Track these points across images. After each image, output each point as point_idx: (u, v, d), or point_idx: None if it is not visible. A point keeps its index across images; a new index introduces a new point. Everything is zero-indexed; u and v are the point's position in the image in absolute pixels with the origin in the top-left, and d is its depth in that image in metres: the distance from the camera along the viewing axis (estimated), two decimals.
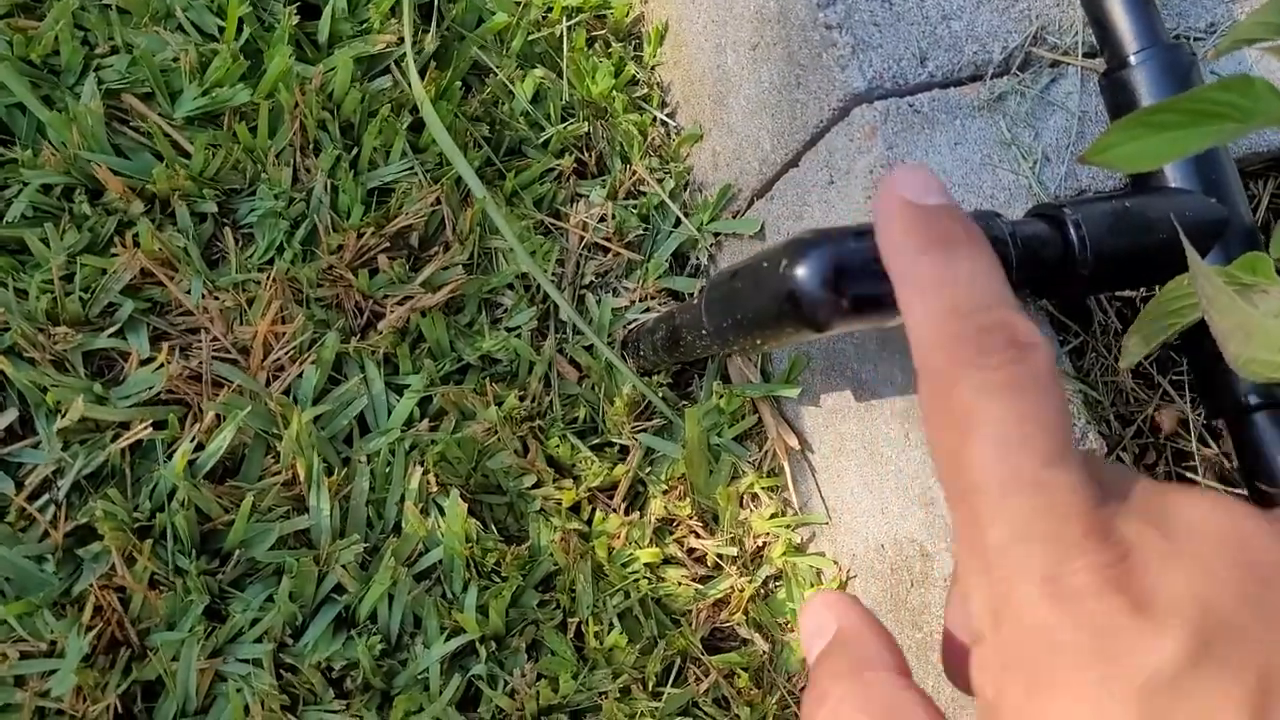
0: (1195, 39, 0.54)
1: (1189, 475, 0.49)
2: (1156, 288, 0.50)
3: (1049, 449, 0.21)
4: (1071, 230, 0.43)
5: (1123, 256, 0.44)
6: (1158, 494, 0.23)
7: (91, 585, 0.52)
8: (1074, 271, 0.43)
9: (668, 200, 0.64)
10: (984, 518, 0.21)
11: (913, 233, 0.24)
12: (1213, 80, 0.50)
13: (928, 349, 0.24)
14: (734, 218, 0.62)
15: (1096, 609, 0.21)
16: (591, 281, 0.64)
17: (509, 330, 0.62)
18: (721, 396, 0.60)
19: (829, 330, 0.40)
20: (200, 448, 0.55)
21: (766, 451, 0.61)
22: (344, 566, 0.55)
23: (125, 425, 0.55)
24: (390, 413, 0.59)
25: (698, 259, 0.65)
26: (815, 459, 0.58)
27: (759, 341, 0.45)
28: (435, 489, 0.58)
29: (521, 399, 0.60)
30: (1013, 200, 0.48)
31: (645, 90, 0.68)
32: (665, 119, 0.67)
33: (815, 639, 0.26)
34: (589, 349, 0.62)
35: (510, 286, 0.63)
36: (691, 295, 0.64)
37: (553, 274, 0.63)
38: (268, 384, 0.57)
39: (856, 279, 0.40)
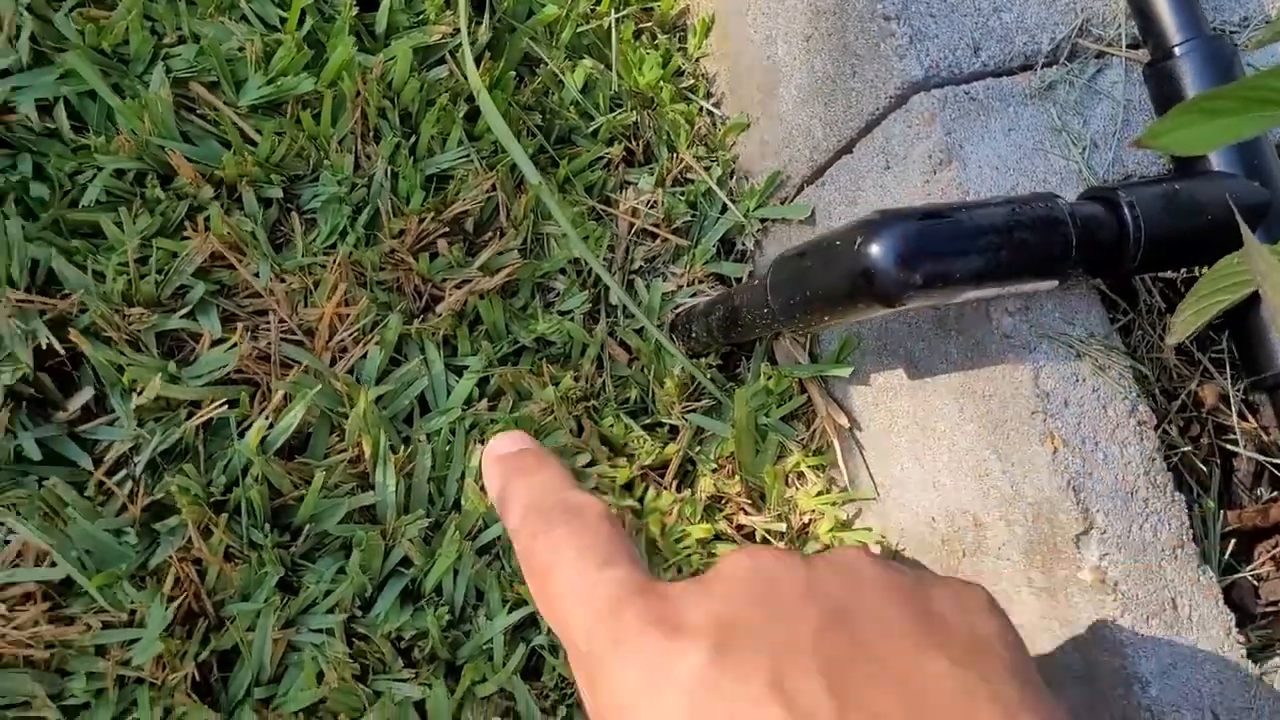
0: (1231, 32, 0.56)
1: (1229, 447, 0.51)
2: (1198, 269, 0.52)
3: (602, 559, 0.30)
4: (1126, 212, 0.45)
5: (1174, 238, 0.46)
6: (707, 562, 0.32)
7: (171, 557, 0.53)
8: (1127, 252, 0.45)
9: (715, 187, 0.66)
10: (570, 617, 0.30)
11: (500, 473, 0.36)
12: (1251, 72, 0.52)
13: (517, 535, 0.33)
14: (782, 204, 0.64)
15: (642, 644, 0.28)
16: (640, 267, 0.66)
17: (561, 314, 0.64)
18: (770, 378, 0.62)
19: (899, 306, 0.42)
20: (270, 425, 0.57)
21: (814, 430, 0.63)
22: (409, 541, 0.57)
23: (196, 404, 0.57)
24: (449, 393, 0.61)
25: (744, 245, 0.67)
26: (863, 437, 0.60)
27: (826, 318, 0.47)
28: None
29: (576, 380, 0.62)
30: (1064, 184, 0.50)
31: (691, 81, 0.70)
32: (711, 109, 0.69)
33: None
34: (639, 332, 0.64)
35: (562, 271, 0.65)
36: (740, 279, 0.66)
37: (603, 259, 0.64)
38: (331, 364, 0.59)
39: (927, 256, 0.42)
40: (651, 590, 0.29)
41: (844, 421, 0.60)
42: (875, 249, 0.42)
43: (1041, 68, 0.52)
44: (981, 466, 0.51)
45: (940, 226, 0.42)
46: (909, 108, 0.50)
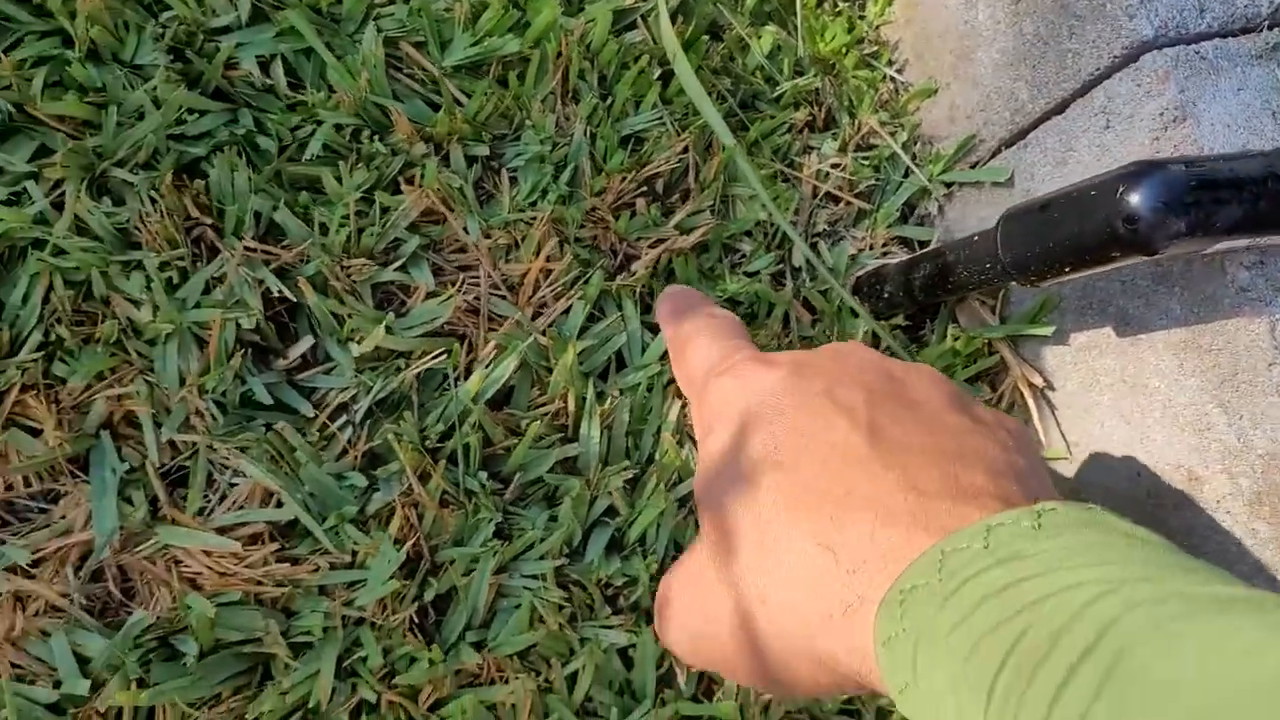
0: None
1: None
2: None
3: (727, 335, 0.45)
4: None
5: None
6: None
7: (395, 500, 0.55)
8: None
9: (899, 152, 0.67)
10: (696, 369, 0.45)
11: (665, 299, 0.52)
12: None
13: (669, 325, 0.50)
14: (972, 168, 0.64)
15: (743, 369, 0.40)
16: (823, 230, 0.67)
17: (748, 274, 0.65)
18: (957, 339, 0.63)
19: (1159, 253, 0.43)
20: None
21: (1001, 392, 0.63)
22: (613, 491, 0.58)
23: (407, 354, 0.58)
24: (644, 349, 0.62)
25: (927, 209, 0.68)
26: (1057, 396, 0.61)
27: (1068, 270, 0.47)
28: (691, 421, 0.61)
29: (765, 339, 0.63)
30: None
31: (874, 48, 0.71)
32: (894, 75, 0.70)
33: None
34: (824, 293, 0.65)
35: (748, 233, 0.66)
36: (923, 243, 0.67)
37: (789, 222, 0.65)
38: (533, 318, 0.60)
39: (1191, 205, 0.42)
40: (740, 364, 0.41)
41: (1038, 381, 0.61)
42: (1138, 197, 0.42)
43: (1266, 29, 0.52)
44: (1202, 420, 0.51)
45: (1204, 175, 0.43)
46: (1139, 66, 0.51)
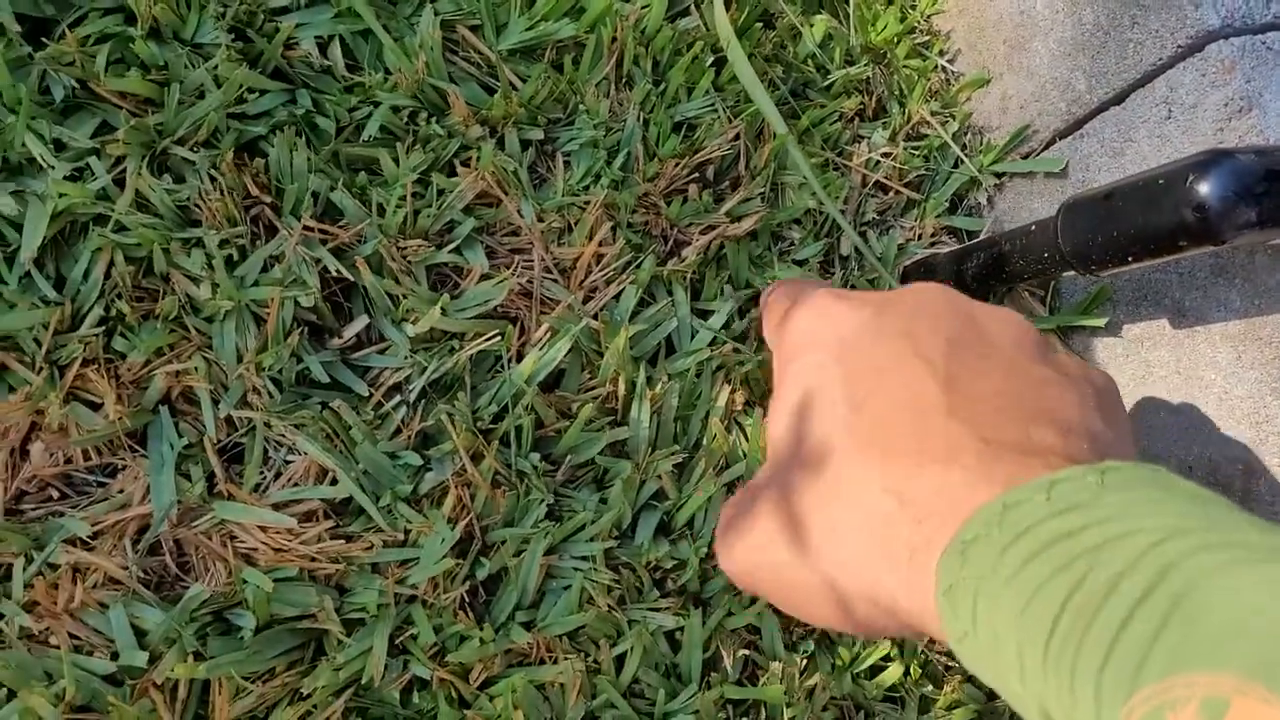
0: None
1: None
2: None
3: (814, 286, 0.46)
4: None
5: None
6: None
7: (449, 480, 0.55)
8: None
9: (950, 142, 0.67)
10: (778, 314, 0.46)
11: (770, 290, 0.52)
12: None
13: (767, 296, 0.51)
14: (1024, 158, 0.64)
15: (826, 304, 0.41)
16: (872, 219, 0.67)
17: (797, 263, 0.65)
18: None
19: (1227, 243, 0.43)
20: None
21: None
22: (662, 475, 0.58)
23: (461, 336, 0.58)
24: (694, 335, 0.62)
25: (976, 199, 0.68)
26: None
27: (1130, 259, 0.47)
28: (740, 408, 0.61)
29: None
30: None
31: (925, 37, 0.71)
32: (945, 65, 0.70)
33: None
34: (871, 282, 0.65)
35: (798, 221, 0.66)
36: (972, 233, 0.67)
37: (839, 210, 0.65)
38: (584, 302, 0.61)
39: (1263, 194, 0.42)
40: (817, 297, 0.43)
41: None
42: (1208, 186, 0.42)
43: None
44: (1261, 413, 0.51)
45: (1275, 165, 0.43)
46: (1205, 56, 0.51)
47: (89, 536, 0.52)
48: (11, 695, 0.49)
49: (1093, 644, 0.24)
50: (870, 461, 0.35)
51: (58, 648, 0.50)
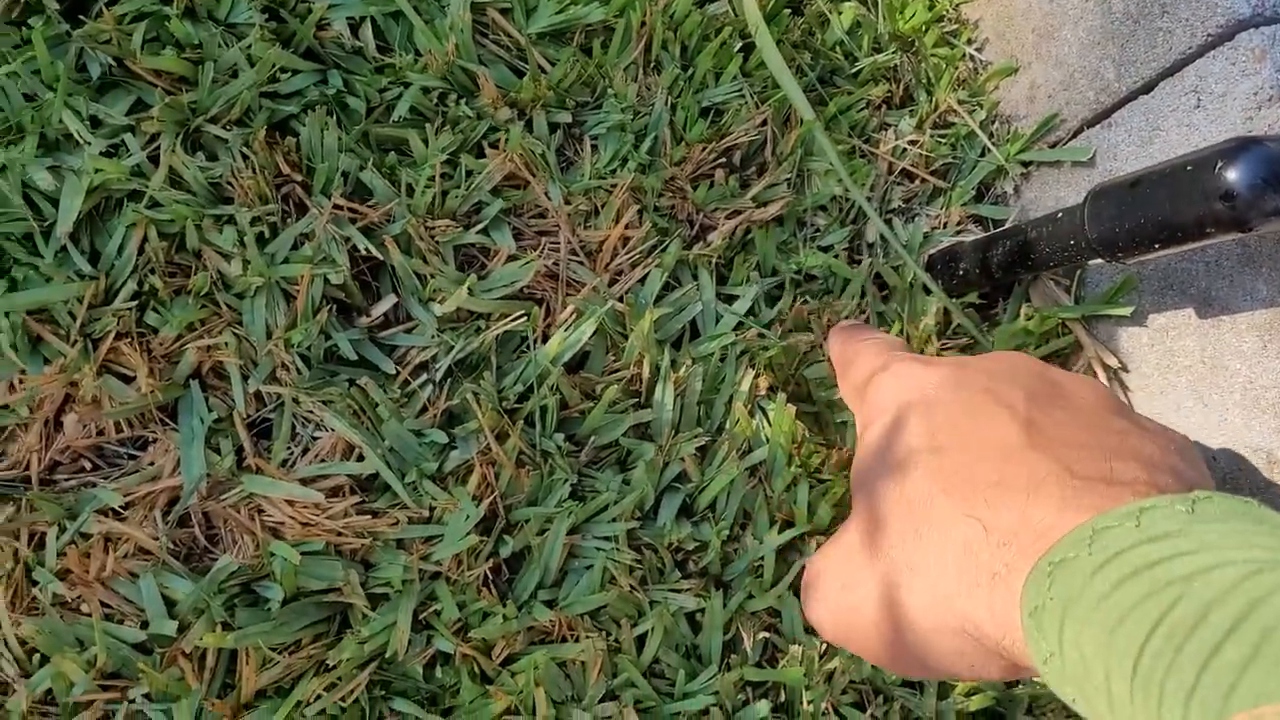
0: None
1: None
2: None
3: (891, 348, 0.47)
4: None
5: None
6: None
7: (474, 458, 0.56)
8: None
9: (977, 130, 0.67)
10: (860, 374, 0.46)
11: (834, 332, 0.54)
12: None
13: (835, 346, 0.52)
14: (1051, 147, 0.64)
15: (904, 368, 0.43)
16: (897, 207, 0.67)
17: (822, 249, 0.65)
18: (1030, 318, 0.63)
19: (1255, 230, 0.43)
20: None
21: (1074, 372, 0.63)
22: (685, 457, 0.59)
23: (487, 316, 0.59)
24: (718, 319, 0.62)
25: (1002, 188, 0.68)
26: (1131, 378, 0.61)
27: (1157, 247, 0.47)
28: (763, 392, 0.62)
29: (837, 315, 0.63)
30: None
31: (954, 26, 0.71)
32: (973, 53, 0.70)
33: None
34: (896, 270, 0.65)
35: (823, 208, 0.66)
36: (998, 222, 0.67)
37: (865, 197, 0.65)
38: (610, 285, 0.61)
39: None
40: (900, 363, 0.44)
41: (1113, 362, 0.61)
42: (1236, 173, 0.42)
43: None
44: None
45: None
46: (1235, 44, 0.51)
47: (120, 507, 0.53)
48: (44, 660, 0.50)
49: (1182, 668, 0.24)
50: (953, 496, 0.35)
51: (89, 615, 0.51)
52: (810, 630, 0.59)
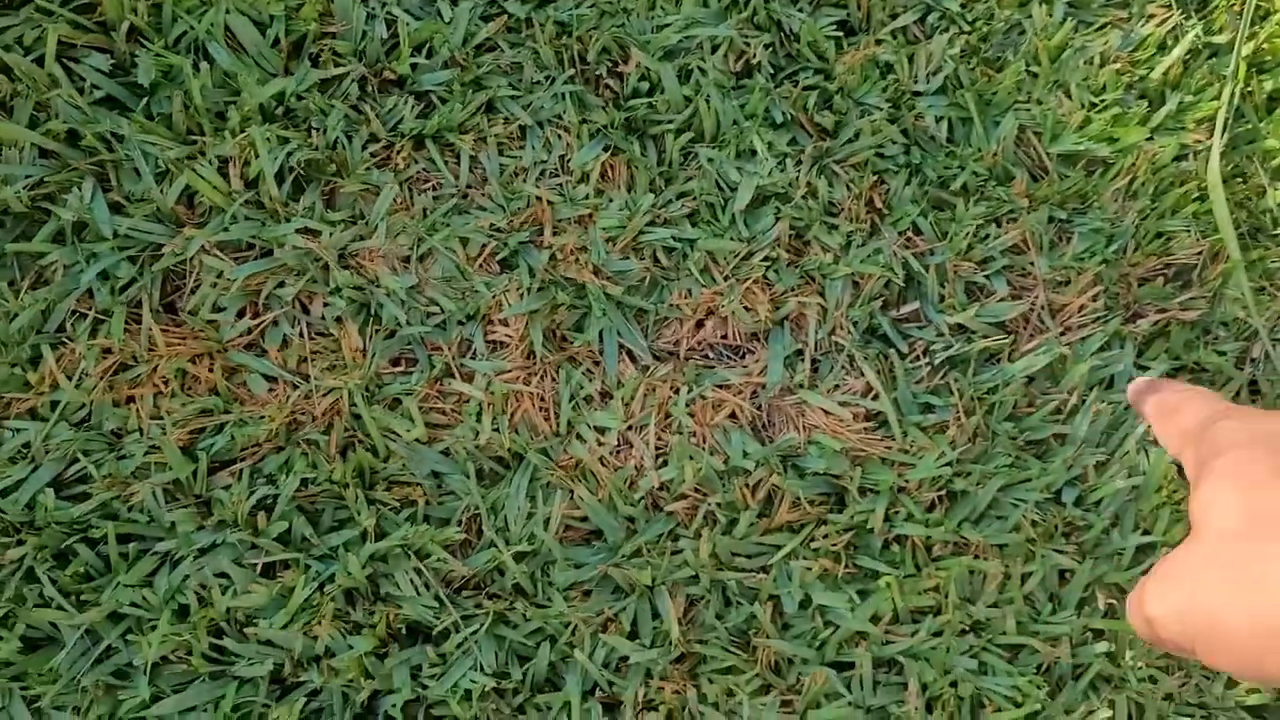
0: None
1: None
2: None
3: (1209, 401, 0.44)
4: None
5: None
6: None
7: (949, 420, 0.83)
8: None
9: None
10: (1189, 426, 0.43)
11: (1137, 386, 0.50)
12: None
13: (1150, 401, 0.48)
14: None
15: (1244, 412, 0.41)
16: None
17: (1218, 353, 0.89)
18: None
19: None
20: None
21: None
22: (1086, 466, 0.84)
23: (974, 332, 0.86)
24: (1129, 379, 0.88)
25: None
26: None
27: None
28: (1151, 439, 0.86)
29: None
30: None
31: None
32: None
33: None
34: (1271, 382, 0.88)
35: (1225, 324, 0.90)
36: None
37: (1263, 323, 0.89)
38: (1061, 334, 0.87)
39: None
40: (1236, 411, 0.43)
41: None
42: None
43: None
44: None
45: None
46: None
47: (720, 385, 0.84)
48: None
49: None
50: None
51: (697, 444, 0.82)
52: None
